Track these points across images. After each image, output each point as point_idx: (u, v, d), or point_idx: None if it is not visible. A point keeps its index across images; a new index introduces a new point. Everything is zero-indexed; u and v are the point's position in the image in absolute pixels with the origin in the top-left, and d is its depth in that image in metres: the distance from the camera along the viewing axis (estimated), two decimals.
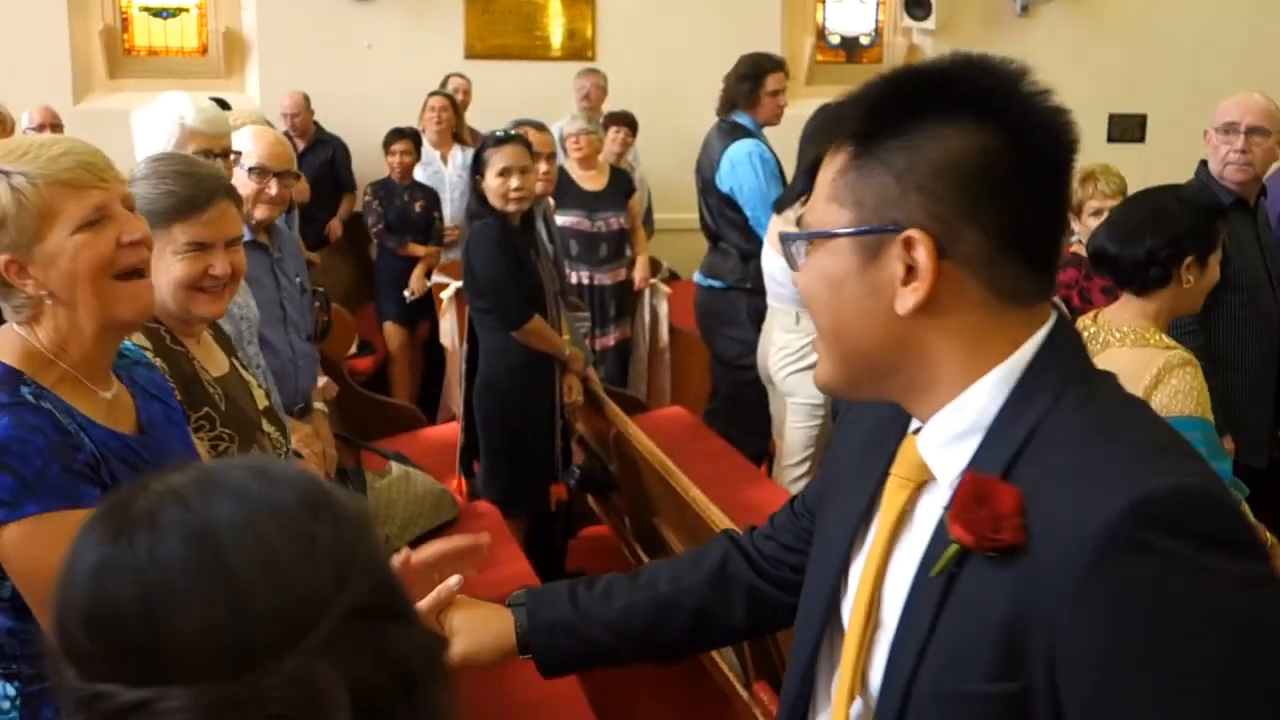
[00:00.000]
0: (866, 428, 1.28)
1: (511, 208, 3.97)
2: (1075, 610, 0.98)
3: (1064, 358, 1.10)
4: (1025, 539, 1.02)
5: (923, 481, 1.15)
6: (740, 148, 4.84)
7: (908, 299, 1.08)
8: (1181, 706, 0.96)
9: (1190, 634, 0.96)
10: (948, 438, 1.12)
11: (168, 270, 2.14)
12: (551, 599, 1.53)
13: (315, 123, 7.25)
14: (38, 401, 1.61)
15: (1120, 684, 0.97)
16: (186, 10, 7.88)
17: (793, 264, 1.18)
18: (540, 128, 4.64)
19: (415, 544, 3.69)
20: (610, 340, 5.84)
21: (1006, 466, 1.06)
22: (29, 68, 7.09)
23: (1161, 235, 2.62)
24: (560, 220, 5.42)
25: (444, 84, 7.37)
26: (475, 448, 4.25)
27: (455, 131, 7.05)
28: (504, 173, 3.92)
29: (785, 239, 1.17)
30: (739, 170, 4.78)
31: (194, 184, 2.19)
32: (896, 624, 1.13)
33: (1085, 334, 2.72)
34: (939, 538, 1.09)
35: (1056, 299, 1.23)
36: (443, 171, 6.90)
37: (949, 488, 1.10)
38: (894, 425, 1.21)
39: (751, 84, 4.94)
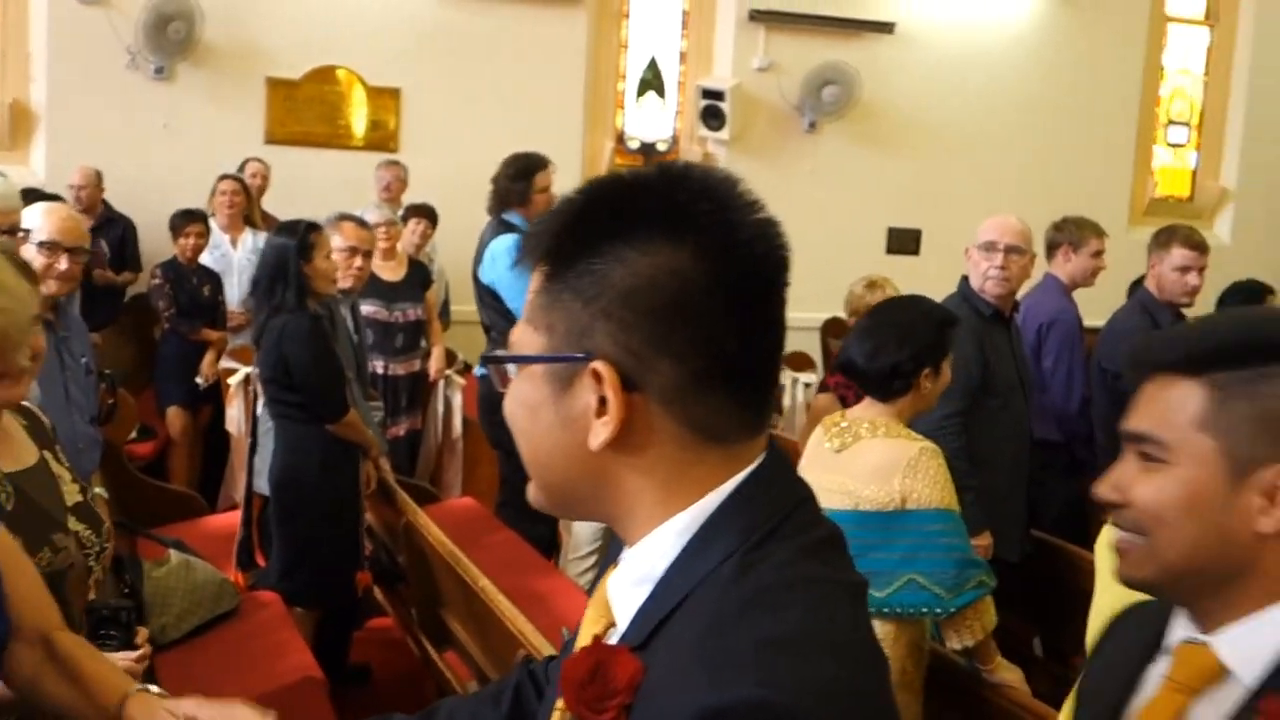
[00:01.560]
0: None
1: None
2: None
3: (749, 512, 1.00)
4: None
5: (611, 623, 1.06)
6: (501, 242, 4.86)
7: (599, 433, 0.99)
8: None
9: None
10: (630, 581, 1.04)
11: None
12: None
13: (105, 201, 7.06)
14: None
15: None
16: None
17: (500, 384, 1.10)
18: (361, 223, 4.65)
19: (196, 634, 3.62)
20: (400, 430, 5.82)
21: (651, 632, 0.98)
22: None
23: (903, 351, 2.86)
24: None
25: (242, 168, 7.30)
26: (254, 540, 4.20)
27: (246, 215, 6.97)
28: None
29: (485, 360, 1.17)
30: (499, 263, 4.81)
31: None
32: None
33: (837, 428, 2.91)
34: None
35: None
36: (230, 255, 6.80)
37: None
38: None
39: (524, 184, 5.05)
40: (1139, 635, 1.34)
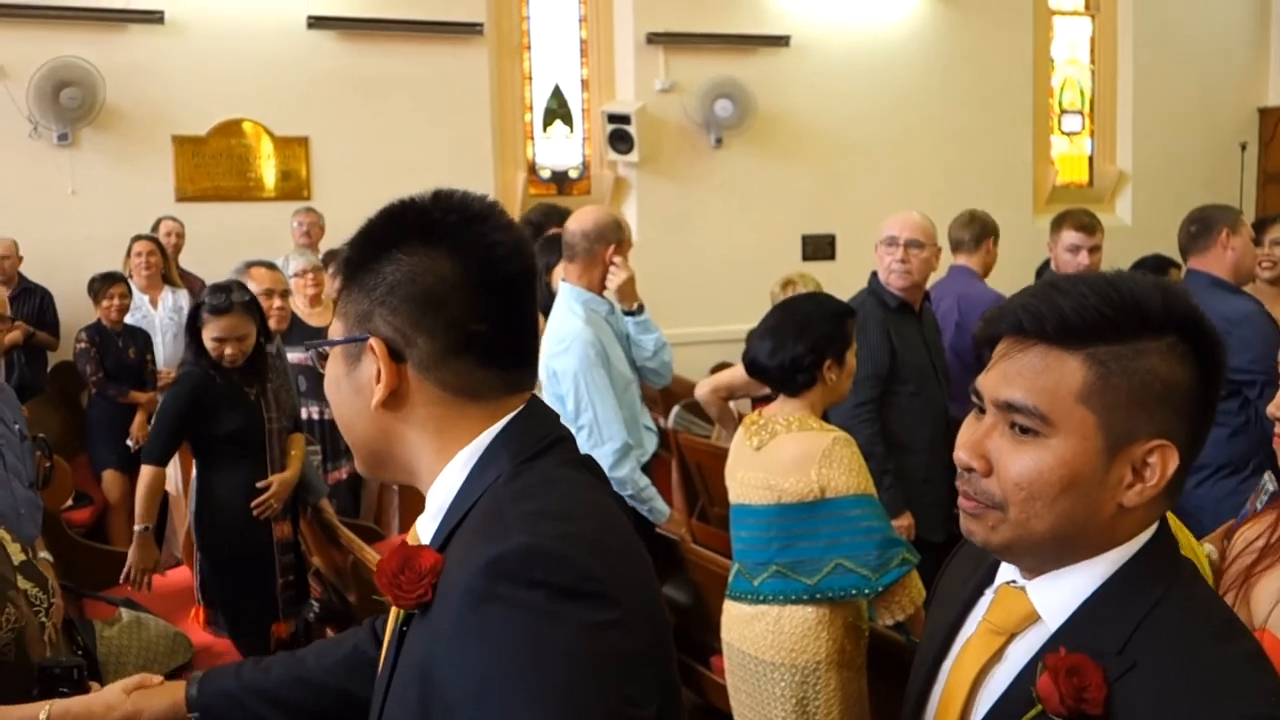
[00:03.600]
0: None
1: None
2: (449, 654, 1.14)
3: (513, 444, 1.27)
4: (432, 597, 1.19)
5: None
6: None
7: (376, 394, 1.26)
8: None
9: (540, 667, 1.09)
10: (429, 516, 1.30)
11: None
12: (221, 672, 1.68)
13: (20, 272, 7.01)
14: None
15: (481, 710, 1.11)
16: None
17: (321, 369, 1.39)
18: (270, 266, 4.73)
19: None
20: (343, 474, 5.84)
21: (449, 535, 1.24)
22: None
23: (801, 345, 2.98)
24: (290, 357, 5.46)
25: (155, 227, 7.30)
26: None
27: (164, 273, 6.97)
28: (219, 340, 3.97)
29: (309, 348, 1.41)
30: None
31: None
32: None
33: (755, 426, 3.04)
34: None
35: None
36: (152, 315, 6.80)
37: None
38: None
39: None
40: (969, 574, 1.42)
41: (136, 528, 4.04)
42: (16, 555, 2.32)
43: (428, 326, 1.24)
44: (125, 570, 3.99)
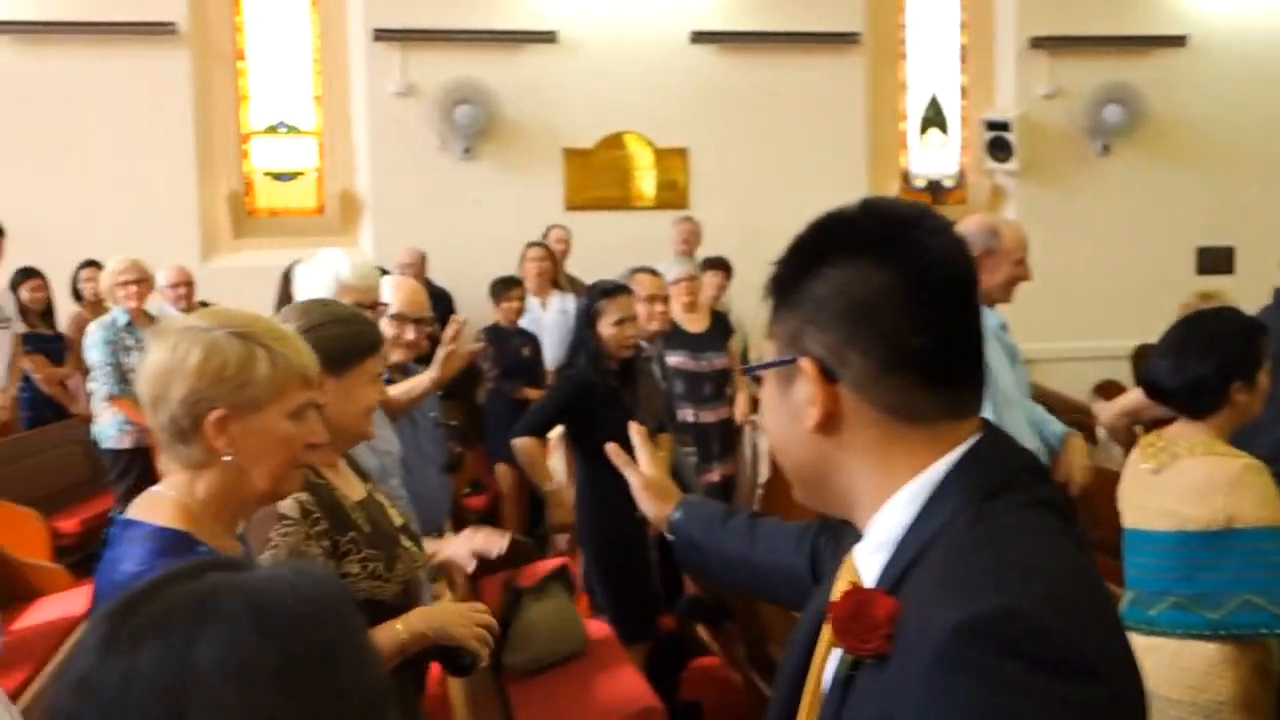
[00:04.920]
0: None
1: (626, 354, 4.24)
2: (911, 717, 1.03)
3: (970, 480, 1.15)
4: (890, 649, 1.08)
5: (859, 586, 1.21)
6: None
7: (810, 417, 1.18)
8: None
9: None
10: (871, 548, 1.20)
11: (365, 398, 2.40)
12: (701, 511, 1.91)
13: (427, 278, 7.62)
14: None
15: None
16: (305, 173, 8.43)
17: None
18: (653, 273, 4.94)
19: (540, 671, 3.79)
20: (715, 476, 6.00)
21: (898, 579, 1.13)
22: (160, 229, 7.60)
23: (1208, 364, 2.77)
24: (669, 360, 5.66)
25: (545, 235, 7.75)
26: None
27: (554, 279, 7.39)
28: (620, 322, 4.17)
29: (745, 372, 1.37)
30: None
31: (371, 326, 2.51)
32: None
33: (1154, 448, 2.86)
34: None
35: None
36: (540, 317, 7.21)
37: None
38: None
39: None
40: None
41: (546, 487, 4.37)
42: (397, 519, 2.54)
43: (860, 343, 1.16)
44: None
